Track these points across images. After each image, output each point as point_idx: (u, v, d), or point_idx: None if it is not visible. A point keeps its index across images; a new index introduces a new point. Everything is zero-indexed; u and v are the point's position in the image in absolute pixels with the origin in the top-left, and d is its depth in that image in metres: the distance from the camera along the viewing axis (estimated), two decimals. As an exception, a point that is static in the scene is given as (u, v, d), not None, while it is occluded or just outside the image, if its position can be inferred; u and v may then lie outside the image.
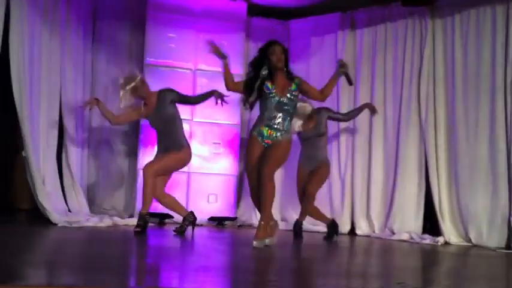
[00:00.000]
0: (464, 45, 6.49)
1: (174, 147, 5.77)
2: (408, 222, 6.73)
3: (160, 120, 5.79)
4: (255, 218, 7.24)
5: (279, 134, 4.91)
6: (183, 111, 7.01)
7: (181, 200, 6.96)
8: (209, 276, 3.36)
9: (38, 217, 6.00)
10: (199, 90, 7.05)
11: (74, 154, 6.50)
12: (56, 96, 6.36)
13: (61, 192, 6.31)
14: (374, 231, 6.93)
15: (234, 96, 7.16)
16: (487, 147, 6.25)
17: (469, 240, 6.24)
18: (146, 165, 5.71)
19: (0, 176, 7.24)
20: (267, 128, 4.91)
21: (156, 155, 5.82)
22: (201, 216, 6.98)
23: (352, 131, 7.26)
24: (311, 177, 6.12)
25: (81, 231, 5.60)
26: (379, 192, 7.02)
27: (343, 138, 7.29)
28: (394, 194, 6.84)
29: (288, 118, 4.97)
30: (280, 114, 4.91)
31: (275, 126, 4.90)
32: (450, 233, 6.39)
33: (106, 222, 6.26)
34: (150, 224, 6.38)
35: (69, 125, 6.47)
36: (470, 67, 6.43)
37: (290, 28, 7.85)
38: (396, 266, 4.50)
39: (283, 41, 7.66)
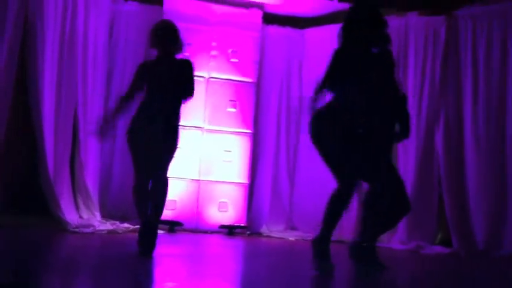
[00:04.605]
0: (478, 58, 6.44)
1: None
2: (419, 232, 6.62)
3: None
4: (265, 226, 7.24)
5: None
6: (195, 118, 7.03)
7: (192, 208, 7.00)
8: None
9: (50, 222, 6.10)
10: (212, 98, 7.11)
11: (87, 160, 6.57)
12: (71, 106, 6.49)
13: (72, 198, 6.39)
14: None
15: (247, 104, 7.23)
16: (497, 156, 6.25)
17: (479, 249, 6.17)
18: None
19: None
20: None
21: None
22: (212, 224, 7.00)
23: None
24: None
25: (93, 237, 5.70)
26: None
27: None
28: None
29: None
30: None
31: None
32: (460, 242, 6.31)
33: (117, 228, 6.33)
34: (159, 232, 6.42)
35: (83, 132, 6.55)
36: (486, 79, 6.40)
37: (305, 36, 7.80)
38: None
39: (299, 50, 7.73)
